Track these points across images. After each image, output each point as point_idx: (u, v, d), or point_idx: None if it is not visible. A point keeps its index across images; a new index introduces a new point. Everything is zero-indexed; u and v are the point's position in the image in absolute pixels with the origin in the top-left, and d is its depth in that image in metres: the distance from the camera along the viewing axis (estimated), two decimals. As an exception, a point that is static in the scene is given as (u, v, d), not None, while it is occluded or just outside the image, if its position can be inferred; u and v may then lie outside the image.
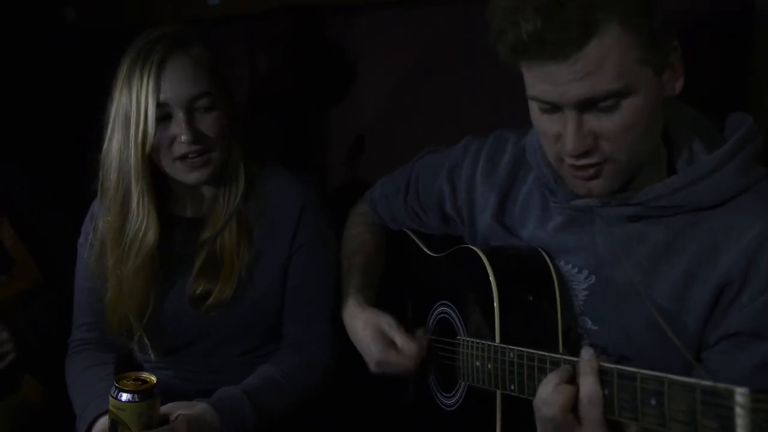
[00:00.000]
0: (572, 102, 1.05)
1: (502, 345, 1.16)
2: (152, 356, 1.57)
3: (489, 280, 1.20)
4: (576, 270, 1.22)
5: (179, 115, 1.44)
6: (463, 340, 1.27)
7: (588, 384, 0.98)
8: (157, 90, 1.42)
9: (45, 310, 1.83)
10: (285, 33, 2.04)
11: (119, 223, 1.50)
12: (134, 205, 1.47)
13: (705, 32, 1.45)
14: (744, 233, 1.08)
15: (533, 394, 1.06)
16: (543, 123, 1.12)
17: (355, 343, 1.44)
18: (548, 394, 1.01)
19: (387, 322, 1.38)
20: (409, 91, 1.89)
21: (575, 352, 1.18)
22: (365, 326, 1.41)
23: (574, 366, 1.01)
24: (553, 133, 1.11)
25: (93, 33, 2.32)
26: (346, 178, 2.03)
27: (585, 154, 1.08)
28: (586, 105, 1.05)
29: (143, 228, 1.48)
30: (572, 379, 1.01)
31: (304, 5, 1.98)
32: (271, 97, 2.09)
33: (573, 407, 0.99)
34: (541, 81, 1.07)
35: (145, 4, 2.22)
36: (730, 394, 0.81)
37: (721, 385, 0.82)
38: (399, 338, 1.36)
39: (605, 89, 1.03)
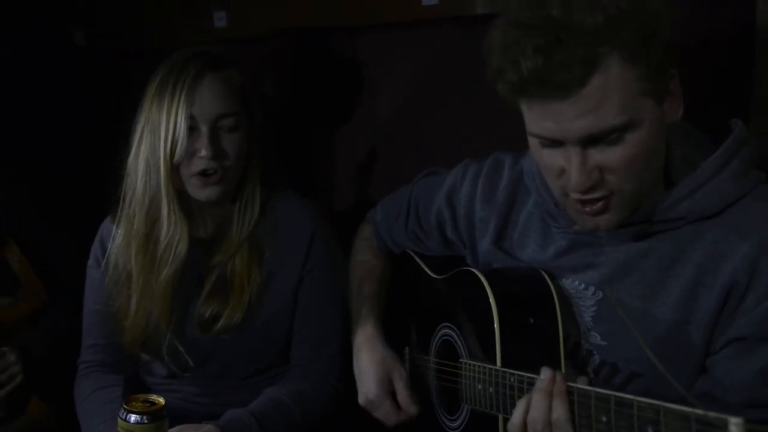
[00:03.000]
0: (575, 138, 1.04)
1: (503, 369, 1.16)
2: (190, 362, 1.57)
3: (489, 302, 1.20)
4: (583, 286, 1.21)
5: (203, 130, 1.46)
6: (465, 363, 1.26)
7: (554, 408, 1.03)
8: (188, 103, 1.45)
9: (52, 331, 1.84)
10: (290, 54, 2.06)
11: (146, 231, 1.51)
12: (164, 213, 1.49)
13: (706, 52, 1.45)
14: (746, 238, 1.07)
15: None
16: (544, 157, 1.11)
17: (356, 371, 1.45)
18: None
19: (399, 373, 1.41)
20: (413, 111, 1.90)
21: (583, 370, 1.19)
22: (378, 364, 1.41)
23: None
24: (556, 168, 1.10)
25: (102, 56, 2.35)
26: (352, 199, 2.03)
27: (591, 188, 1.07)
28: (590, 141, 1.05)
29: (176, 238, 1.50)
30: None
31: (309, 27, 2.00)
32: (276, 118, 2.11)
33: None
34: (543, 118, 1.06)
35: (153, 27, 2.24)
36: (725, 424, 0.81)
37: (713, 415, 0.82)
38: (402, 394, 1.39)
39: (609, 124, 1.02)
